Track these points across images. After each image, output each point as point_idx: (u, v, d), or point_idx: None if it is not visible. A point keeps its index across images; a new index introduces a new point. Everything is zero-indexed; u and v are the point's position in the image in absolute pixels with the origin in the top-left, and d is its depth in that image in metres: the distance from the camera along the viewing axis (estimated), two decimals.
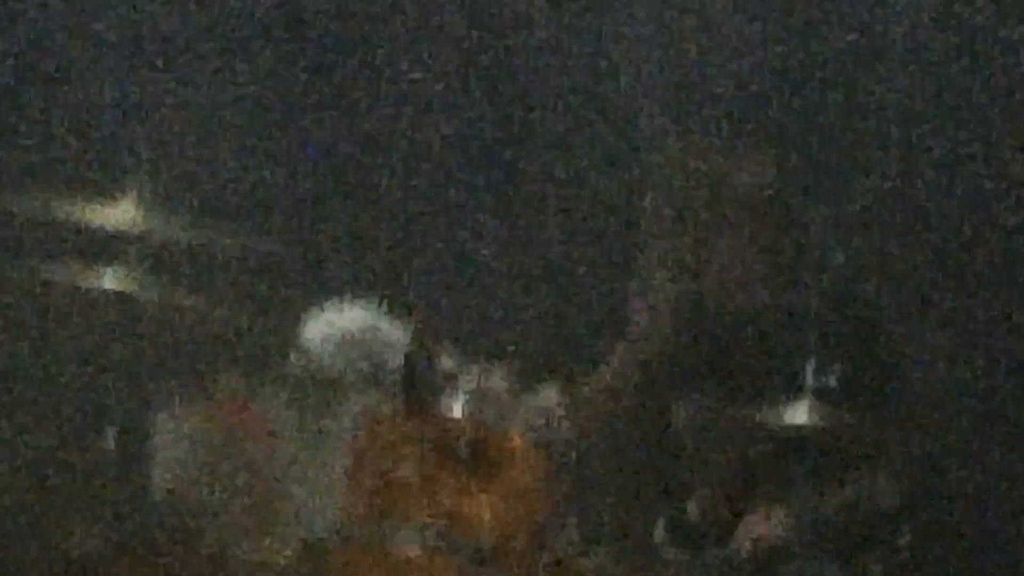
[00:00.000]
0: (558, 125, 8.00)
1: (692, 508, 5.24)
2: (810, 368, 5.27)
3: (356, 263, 6.97)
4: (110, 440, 5.39)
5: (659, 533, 5.17)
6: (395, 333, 5.05)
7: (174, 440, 5.33)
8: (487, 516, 4.26)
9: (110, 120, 7.80)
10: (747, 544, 5.32)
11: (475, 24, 8.28)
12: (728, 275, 6.00)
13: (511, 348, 5.50)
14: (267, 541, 4.71)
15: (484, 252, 7.24)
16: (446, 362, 4.55)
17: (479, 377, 4.56)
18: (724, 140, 7.60)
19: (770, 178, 6.25)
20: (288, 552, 4.66)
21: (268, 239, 6.80)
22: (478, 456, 4.41)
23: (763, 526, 5.29)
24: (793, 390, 5.17)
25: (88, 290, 5.40)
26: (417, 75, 8.01)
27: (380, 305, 5.28)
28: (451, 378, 4.50)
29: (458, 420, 4.43)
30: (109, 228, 5.28)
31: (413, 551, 4.24)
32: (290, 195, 7.50)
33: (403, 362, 4.69)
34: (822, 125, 7.80)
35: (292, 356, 5.30)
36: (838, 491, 5.50)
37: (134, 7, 8.01)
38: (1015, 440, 6.81)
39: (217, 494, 5.13)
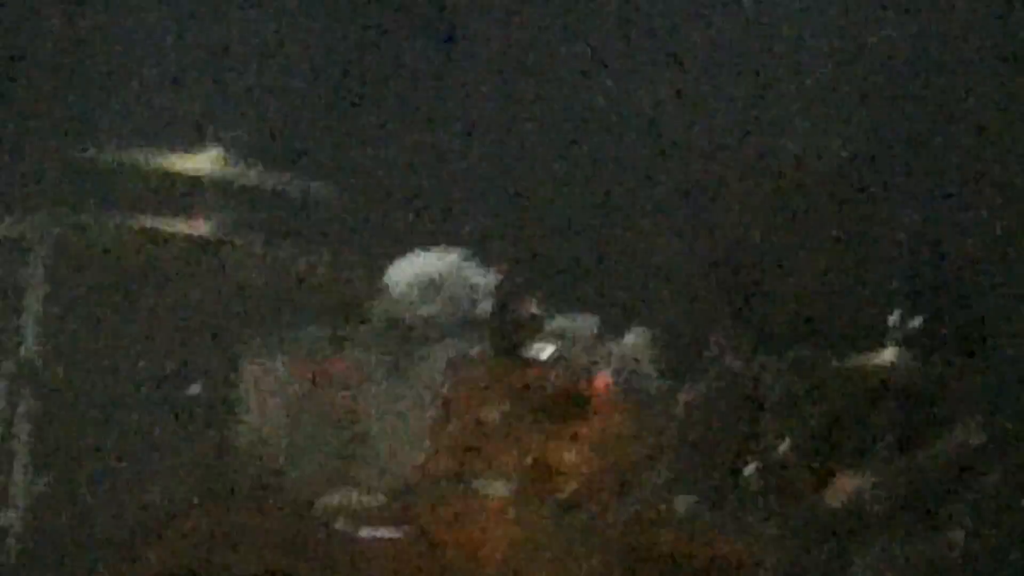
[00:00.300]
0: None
1: (781, 456, 5.19)
2: (897, 316, 5.35)
3: (444, 211, 7.01)
4: (197, 389, 5.50)
5: (749, 477, 5.17)
6: (482, 278, 5.07)
7: (260, 388, 5.39)
8: (573, 461, 4.30)
9: (195, 70, 8.04)
10: (838, 498, 5.37)
11: None
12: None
13: (598, 294, 5.57)
14: (353, 488, 4.79)
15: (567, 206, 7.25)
16: (533, 307, 4.53)
17: (566, 322, 4.56)
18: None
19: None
20: (375, 498, 4.73)
21: (353, 186, 6.92)
22: (564, 401, 4.42)
23: (852, 483, 5.30)
24: (880, 338, 5.24)
25: (174, 238, 5.56)
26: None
27: (468, 251, 5.29)
28: (538, 322, 4.50)
29: (545, 364, 4.42)
30: (195, 176, 5.50)
31: (500, 496, 4.27)
32: (377, 143, 7.64)
33: (490, 307, 4.70)
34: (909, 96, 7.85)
35: (378, 302, 5.33)
36: (928, 444, 5.50)
37: None
38: None
39: (303, 442, 5.18)
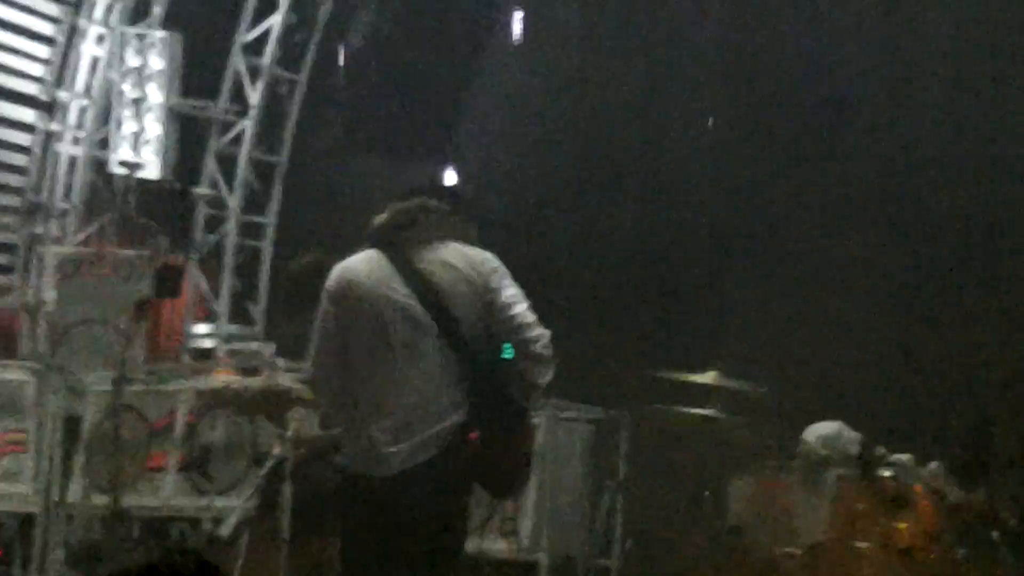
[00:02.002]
0: None
1: None
2: None
3: None
4: None
5: None
6: (853, 434, 7.44)
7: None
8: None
9: None
10: None
11: None
12: None
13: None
14: None
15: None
16: (880, 449, 7.05)
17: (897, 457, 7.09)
18: None
19: None
20: None
21: None
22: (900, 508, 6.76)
23: None
24: None
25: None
26: None
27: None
28: (882, 457, 7.05)
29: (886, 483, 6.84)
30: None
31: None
32: None
33: (859, 450, 7.23)
34: None
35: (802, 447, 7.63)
36: None
37: None
38: None
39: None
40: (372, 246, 5.99)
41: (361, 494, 5.91)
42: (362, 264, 5.98)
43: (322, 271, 6.96)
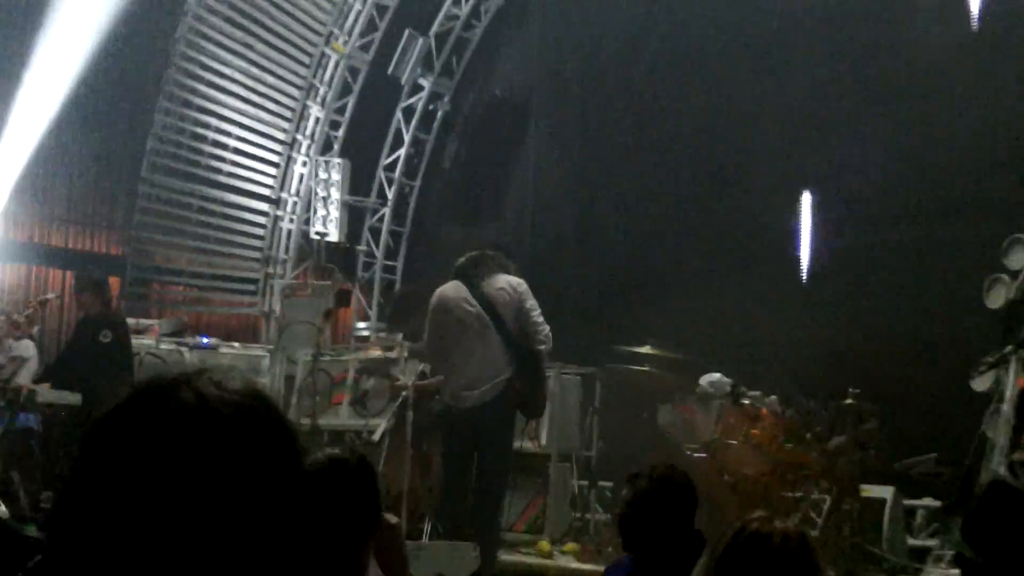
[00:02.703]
0: None
1: None
2: None
3: None
4: None
5: None
6: (727, 380, 7.09)
7: None
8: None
9: None
10: None
11: None
12: None
13: None
14: None
15: None
16: (742, 388, 6.83)
17: (752, 393, 7.11)
18: None
19: None
20: None
21: None
22: (754, 421, 6.82)
23: None
24: None
25: None
26: None
27: None
28: (744, 392, 6.95)
29: (746, 407, 6.81)
30: None
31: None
32: None
33: (731, 389, 6.96)
34: None
35: (699, 387, 7.62)
36: None
37: None
38: None
39: None
40: (455, 277, 6.19)
41: (451, 419, 6.12)
42: (450, 289, 6.20)
43: (413, 297, 7.13)
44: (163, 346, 9.01)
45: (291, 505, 1.16)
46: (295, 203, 11.89)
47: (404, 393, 6.45)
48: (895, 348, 8.04)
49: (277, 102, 11.68)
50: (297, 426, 1.24)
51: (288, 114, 11.76)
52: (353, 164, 11.61)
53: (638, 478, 3.70)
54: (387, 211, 11.96)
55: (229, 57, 11.28)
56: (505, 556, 6.66)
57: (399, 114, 11.89)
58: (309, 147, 11.86)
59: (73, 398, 7.16)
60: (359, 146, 11.98)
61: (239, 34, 11.25)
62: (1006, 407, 5.48)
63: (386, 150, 11.98)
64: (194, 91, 11.24)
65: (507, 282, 6.15)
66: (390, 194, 11.96)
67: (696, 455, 6.56)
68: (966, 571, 2.94)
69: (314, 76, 11.74)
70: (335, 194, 11.34)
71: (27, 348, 8.20)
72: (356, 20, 11.66)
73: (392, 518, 2.86)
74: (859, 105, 8.68)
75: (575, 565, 6.98)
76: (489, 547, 5.91)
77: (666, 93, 9.98)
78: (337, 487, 2.62)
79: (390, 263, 12.08)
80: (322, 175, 11.42)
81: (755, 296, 8.59)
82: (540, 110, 11.12)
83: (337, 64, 11.74)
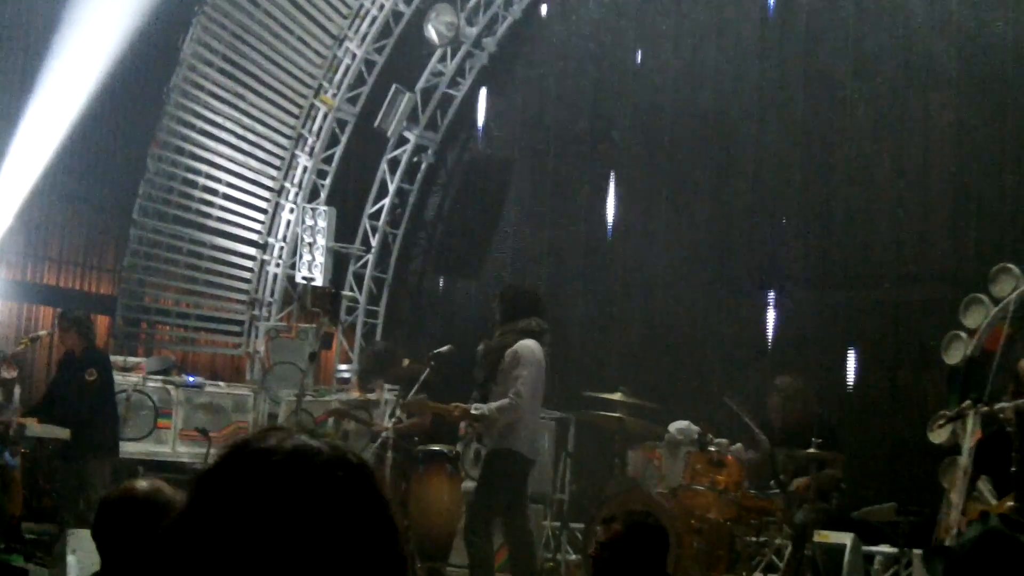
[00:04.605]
0: None
1: None
2: None
3: None
4: None
5: None
6: (695, 427, 7.54)
7: None
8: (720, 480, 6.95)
9: None
10: None
11: None
12: None
13: None
14: None
15: None
16: (709, 436, 7.05)
17: (717, 440, 7.19)
18: None
19: None
20: None
21: None
22: (719, 467, 6.86)
23: None
24: None
25: None
26: None
27: None
28: (710, 440, 7.05)
29: (712, 453, 6.95)
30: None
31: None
32: None
33: (698, 436, 7.31)
34: None
35: (668, 434, 7.79)
36: None
37: None
38: None
39: None
40: (535, 337, 6.16)
41: (527, 469, 6.27)
42: (540, 350, 6.13)
43: (386, 353, 7.08)
44: (150, 384, 8.91)
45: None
46: (281, 248, 11.92)
47: (384, 435, 6.43)
48: (856, 401, 8.16)
49: (266, 151, 11.76)
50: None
51: (277, 162, 11.83)
52: (339, 212, 11.69)
53: (614, 521, 3.71)
54: (371, 258, 12.00)
55: (221, 106, 11.37)
56: None
57: (384, 165, 11.98)
58: (296, 194, 11.92)
59: (62, 433, 7.12)
60: (345, 195, 12.08)
61: (231, 84, 11.36)
62: (964, 459, 5.50)
63: (371, 199, 12.05)
64: (186, 138, 11.32)
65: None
66: (374, 242, 12.00)
67: (663, 500, 6.58)
68: None
69: (303, 127, 11.84)
70: (320, 240, 11.41)
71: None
72: (345, 74, 11.78)
73: None
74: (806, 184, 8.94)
75: None
76: None
77: (643, 149, 10.17)
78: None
79: (372, 308, 12.07)
80: (308, 222, 11.49)
81: (719, 351, 8.67)
82: (521, 166, 11.22)
83: (325, 116, 11.85)
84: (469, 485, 6.92)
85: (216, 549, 1.12)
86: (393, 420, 6.72)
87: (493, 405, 5.91)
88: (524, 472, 6.05)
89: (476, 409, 5.94)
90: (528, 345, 5.96)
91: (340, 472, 1.18)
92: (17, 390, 8.07)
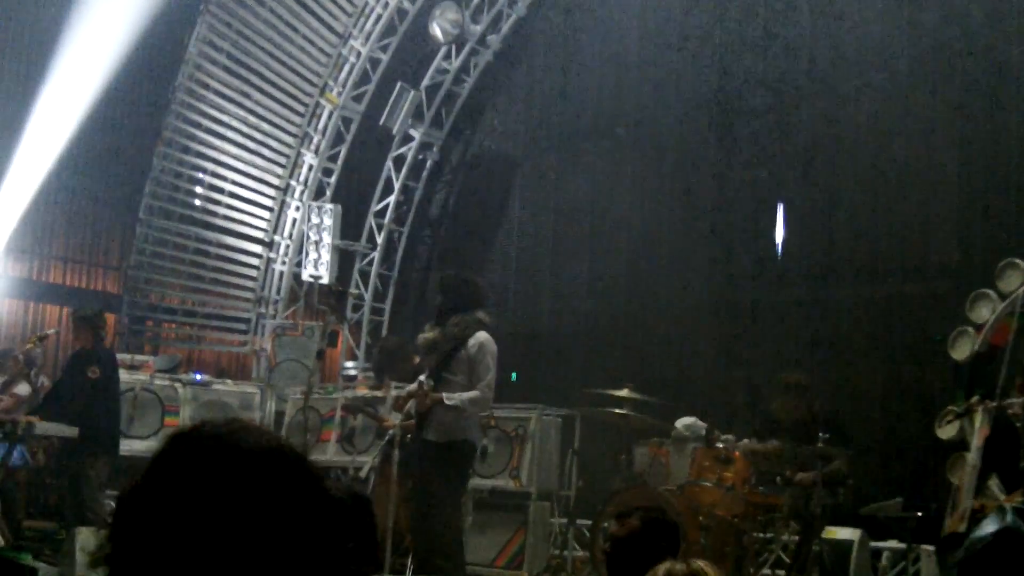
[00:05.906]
0: None
1: None
2: None
3: None
4: None
5: None
6: (701, 423, 7.36)
7: None
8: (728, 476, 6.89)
9: None
10: None
11: None
12: None
13: None
14: None
15: None
16: (716, 432, 6.91)
17: (725, 436, 7.04)
18: None
19: None
20: None
21: None
22: (726, 463, 6.83)
23: None
24: None
25: None
26: None
27: None
28: (717, 436, 7.00)
29: (719, 450, 6.68)
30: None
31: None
32: None
33: (705, 432, 7.11)
34: None
35: (675, 430, 7.59)
36: None
37: None
38: None
39: None
40: (488, 329, 6.08)
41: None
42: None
43: (398, 349, 7.01)
44: (157, 382, 8.86)
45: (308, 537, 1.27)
46: (287, 246, 11.87)
47: (391, 431, 6.37)
48: (864, 397, 8.10)
49: (272, 149, 11.71)
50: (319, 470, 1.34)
51: (283, 160, 11.77)
52: (344, 209, 11.64)
53: (629, 516, 3.67)
54: (376, 255, 11.93)
55: (227, 105, 11.32)
56: None
57: (390, 163, 11.91)
58: (302, 192, 11.86)
59: (70, 431, 7.06)
60: (350, 192, 12.02)
61: (237, 83, 11.31)
62: (972, 455, 5.43)
63: (376, 197, 12.00)
64: (192, 136, 11.27)
65: None
66: (379, 239, 11.95)
67: (670, 496, 6.48)
68: None
69: (308, 125, 11.78)
70: (326, 238, 11.36)
71: (23, 387, 8.14)
72: (350, 72, 11.72)
73: None
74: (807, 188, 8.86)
75: None
76: None
77: (646, 145, 10.08)
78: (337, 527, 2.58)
79: (378, 305, 12.02)
80: (314, 219, 11.43)
81: (727, 346, 8.60)
82: (525, 162, 11.16)
83: (331, 114, 11.79)
84: (475, 482, 6.85)
85: (151, 527, 1.23)
86: (401, 416, 6.64)
87: (465, 396, 5.77)
88: (472, 461, 6.03)
89: (449, 399, 5.77)
90: (489, 338, 5.88)
91: (263, 457, 1.25)
92: (43, 379, 8.09)
